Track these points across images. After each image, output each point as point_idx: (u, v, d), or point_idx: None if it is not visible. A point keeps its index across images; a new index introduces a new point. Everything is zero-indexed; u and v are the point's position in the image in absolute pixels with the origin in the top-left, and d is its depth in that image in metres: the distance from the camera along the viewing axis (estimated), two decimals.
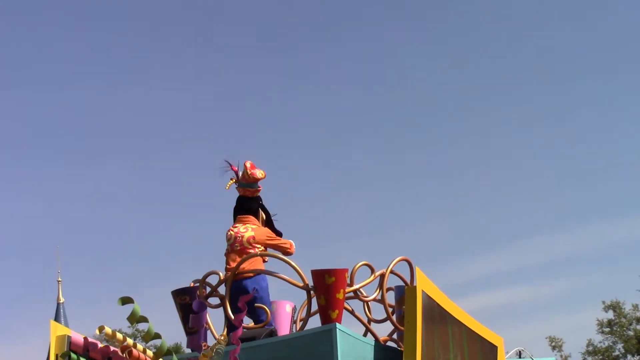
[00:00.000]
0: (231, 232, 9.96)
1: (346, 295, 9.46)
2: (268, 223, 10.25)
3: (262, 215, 10.23)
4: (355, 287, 9.78)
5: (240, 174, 10.16)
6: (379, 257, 10.19)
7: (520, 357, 11.20)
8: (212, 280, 9.92)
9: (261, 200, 10.27)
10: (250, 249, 9.82)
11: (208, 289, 9.93)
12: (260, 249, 9.89)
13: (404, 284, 10.08)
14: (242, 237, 9.88)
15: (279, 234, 10.21)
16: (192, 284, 9.99)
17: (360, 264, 9.91)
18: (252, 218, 10.11)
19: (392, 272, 9.97)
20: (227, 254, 9.94)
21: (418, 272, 9.26)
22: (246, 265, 9.63)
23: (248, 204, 10.21)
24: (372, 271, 9.93)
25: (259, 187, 10.23)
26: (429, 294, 9.07)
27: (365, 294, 10.09)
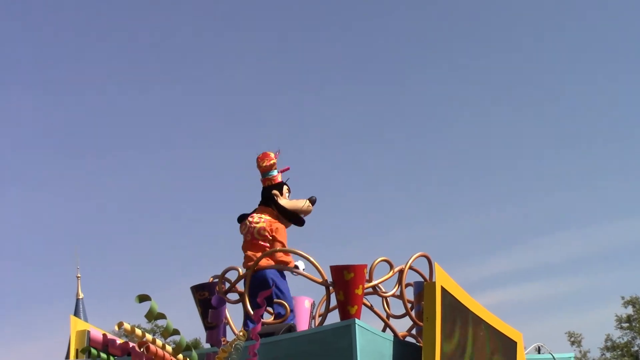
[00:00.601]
0: (246, 223, 9.98)
1: (365, 291, 9.45)
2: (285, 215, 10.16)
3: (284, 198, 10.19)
4: (374, 282, 9.78)
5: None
6: (398, 254, 10.19)
7: (539, 353, 11.15)
8: (231, 275, 9.94)
9: (280, 187, 10.22)
10: (261, 240, 9.82)
11: (227, 285, 9.94)
12: (271, 239, 9.85)
13: (422, 280, 10.06)
14: (254, 228, 9.90)
15: (298, 220, 10.14)
16: (211, 280, 10.02)
17: (379, 259, 9.91)
18: (267, 209, 10.09)
19: (411, 267, 9.96)
20: (243, 247, 9.96)
21: (437, 268, 9.23)
22: (264, 262, 9.63)
23: (264, 193, 10.23)
24: (391, 267, 9.92)
25: (273, 176, 10.21)
26: (448, 290, 9.05)
27: (384, 290, 10.08)
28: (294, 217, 10.13)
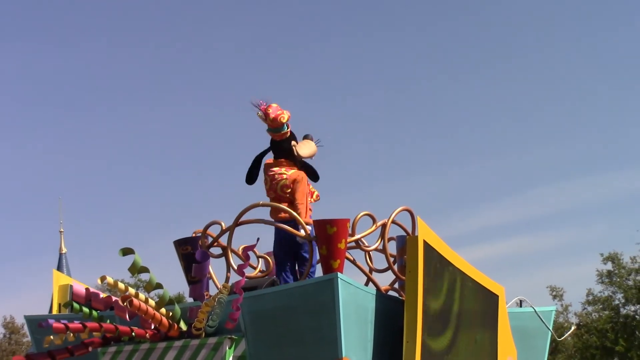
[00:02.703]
0: (270, 174, 9.84)
1: (348, 245, 9.47)
2: (305, 168, 10.05)
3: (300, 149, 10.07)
4: (356, 237, 9.80)
5: (267, 115, 9.92)
6: (381, 208, 10.20)
7: (521, 307, 11.22)
8: (214, 230, 9.93)
9: (294, 138, 10.10)
10: (283, 195, 9.76)
11: (210, 239, 9.93)
12: (290, 193, 9.77)
13: (405, 234, 10.08)
14: (277, 184, 9.80)
15: (314, 174, 10.09)
16: (194, 234, 10.01)
17: (362, 214, 9.92)
18: (289, 162, 9.95)
19: (393, 222, 9.98)
20: (268, 194, 9.85)
21: (420, 222, 9.24)
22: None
23: (280, 146, 10.03)
24: (374, 221, 9.94)
25: (287, 130, 10.05)
26: (430, 244, 9.07)
27: (366, 244, 10.11)
28: (312, 172, 10.05)
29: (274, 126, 9.92)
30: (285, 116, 9.90)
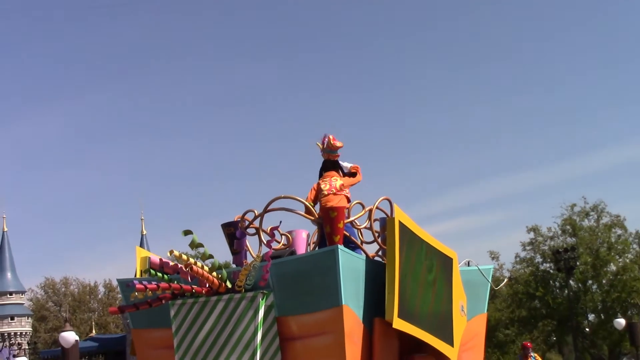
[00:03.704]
0: (325, 184, 9.72)
1: (345, 225, 9.44)
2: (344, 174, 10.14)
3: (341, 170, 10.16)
4: (351, 219, 9.78)
5: (325, 144, 10.02)
6: (369, 197, 10.19)
7: (469, 266, 11.17)
8: (250, 216, 9.90)
9: (339, 162, 10.17)
10: (340, 192, 9.66)
11: (246, 223, 9.90)
12: (346, 192, 9.74)
13: (385, 216, 10.06)
14: (335, 185, 9.71)
15: (353, 175, 10.13)
16: (236, 218, 9.98)
17: (355, 202, 9.92)
18: (335, 173, 9.97)
19: (377, 207, 9.96)
20: (323, 196, 9.62)
21: (396, 207, 9.24)
22: (334, 203, 9.50)
23: (332, 164, 10.05)
24: (363, 207, 9.94)
25: (339, 153, 10.11)
26: (404, 223, 9.05)
27: (358, 224, 10.07)
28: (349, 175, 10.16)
29: (332, 149, 10.01)
30: (337, 145, 10.02)
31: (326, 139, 10.10)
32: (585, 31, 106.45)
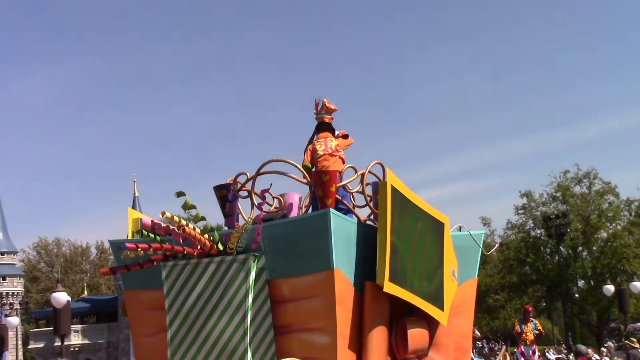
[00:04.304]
0: (320, 145, 9.87)
1: (337, 188, 9.43)
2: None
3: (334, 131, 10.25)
4: (343, 182, 9.75)
5: (319, 107, 10.14)
6: (360, 162, 10.19)
7: (460, 231, 11.20)
8: (242, 179, 9.88)
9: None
10: (336, 152, 9.80)
11: (239, 185, 9.89)
12: (341, 153, 9.88)
13: (378, 180, 10.04)
14: (330, 146, 9.84)
15: (345, 137, 10.22)
16: (228, 181, 9.96)
17: (347, 166, 9.89)
18: (330, 134, 10.07)
19: (370, 172, 9.93)
20: (319, 157, 9.78)
21: (388, 171, 9.21)
22: (330, 165, 9.67)
23: (327, 126, 10.13)
24: (356, 171, 9.90)
25: (333, 116, 10.22)
26: (396, 187, 9.03)
27: (351, 188, 10.06)
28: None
29: (329, 111, 10.14)
30: (332, 108, 10.17)
31: (320, 102, 10.11)
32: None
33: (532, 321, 21.90)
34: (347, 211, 9.70)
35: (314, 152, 9.87)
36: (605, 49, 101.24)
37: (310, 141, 10.17)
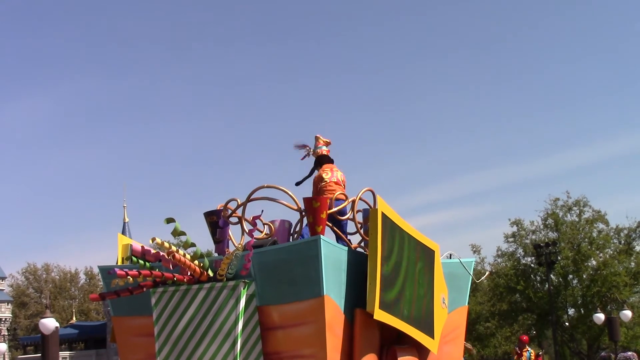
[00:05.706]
0: (327, 173, 10.26)
1: (328, 215, 9.43)
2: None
3: None
4: (334, 209, 9.75)
5: (314, 146, 10.58)
6: (352, 189, 10.22)
7: (450, 258, 11.20)
8: (233, 205, 9.87)
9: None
10: (339, 183, 10.22)
11: (229, 211, 9.87)
12: (343, 185, 10.30)
13: (368, 207, 10.05)
14: (337, 175, 10.29)
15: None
16: (218, 207, 9.95)
17: (338, 193, 9.90)
18: (334, 165, 10.50)
19: (360, 199, 9.94)
20: (325, 186, 10.11)
21: (379, 199, 9.23)
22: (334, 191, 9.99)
23: (328, 158, 10.54)
24: (346, 198, 9.91)
25: (329, 148, 10.66)
26: (386, 214, 9.04)
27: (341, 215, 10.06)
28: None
29: (327, 144, 10.66)
30: (327, 142, 10.70)
31: (314, 140, 10.60)
32: (573, 20, 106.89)
33: (528, 350, 21.88)
34: (339, 238, 9.71)
35: (319, 179, 10.13)
36: (597, 76, 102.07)
37: (311, 174, 10.38)
